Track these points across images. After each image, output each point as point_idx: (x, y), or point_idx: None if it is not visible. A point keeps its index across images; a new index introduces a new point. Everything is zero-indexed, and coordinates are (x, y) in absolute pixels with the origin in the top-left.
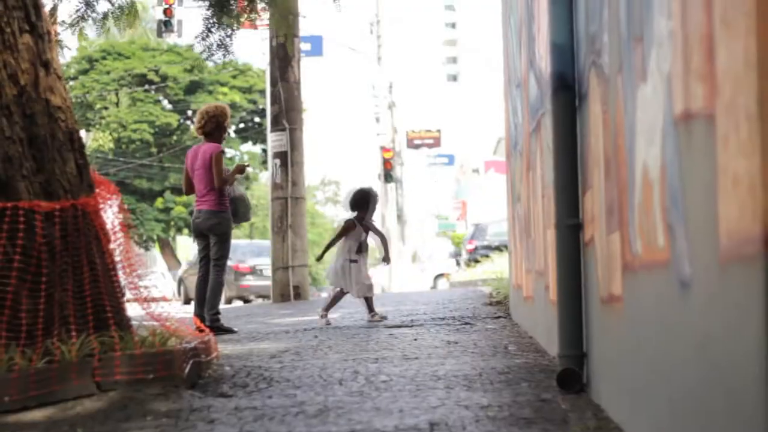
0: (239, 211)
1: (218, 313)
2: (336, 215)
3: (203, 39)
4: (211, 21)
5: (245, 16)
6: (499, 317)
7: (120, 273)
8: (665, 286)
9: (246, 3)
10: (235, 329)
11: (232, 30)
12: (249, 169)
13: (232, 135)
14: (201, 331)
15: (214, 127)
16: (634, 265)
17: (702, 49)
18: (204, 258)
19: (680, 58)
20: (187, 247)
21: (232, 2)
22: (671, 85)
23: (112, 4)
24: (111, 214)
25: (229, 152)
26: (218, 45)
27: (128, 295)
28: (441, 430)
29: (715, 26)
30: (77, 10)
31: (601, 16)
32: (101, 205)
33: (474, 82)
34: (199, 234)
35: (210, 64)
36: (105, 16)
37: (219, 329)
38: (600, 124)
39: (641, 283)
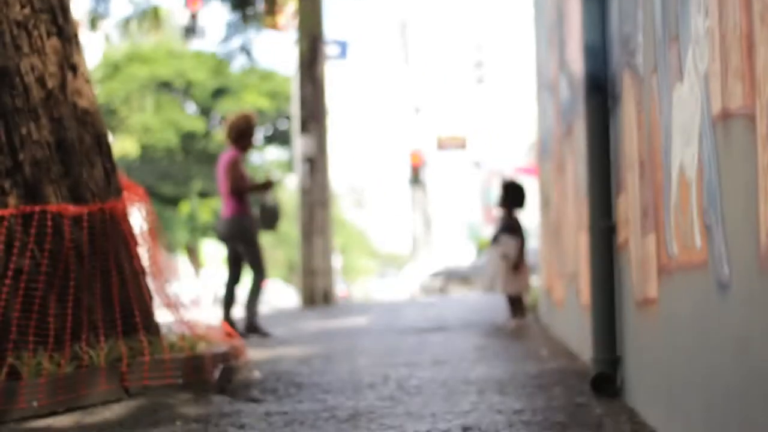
0: (263, 218)
1: (256, 315)
2: (357, 219)
3: (226, 43)
4: (233, 25)
5: (269, 20)
6: (533, 323)
7: (149, 278)
8: (703, 288)
9: (269, 6)
10: (270, 333)
11: (255, 33)
12: (275, 178)
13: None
14: (230, 336)
15: (237, 136)
16: (670, 267)
17: (741, 47)
18: (231, 261)
19: (718, 56)
20: (213, 253)
21: (253, 4)
22: (709, 84)
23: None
24: (139, 218)
25: (255, 158)
26: (240, 49)
27: (156, 300)
28: None
29: (754, 24)
30: (91, 10)
31: (635, 16)
32: (129, 209)
33: (503, 86)
34: (226, 241)
35: (235, 69)
36: (127, 20)
37: (255, 330)
38: (634, 125)
39: (678, 285)
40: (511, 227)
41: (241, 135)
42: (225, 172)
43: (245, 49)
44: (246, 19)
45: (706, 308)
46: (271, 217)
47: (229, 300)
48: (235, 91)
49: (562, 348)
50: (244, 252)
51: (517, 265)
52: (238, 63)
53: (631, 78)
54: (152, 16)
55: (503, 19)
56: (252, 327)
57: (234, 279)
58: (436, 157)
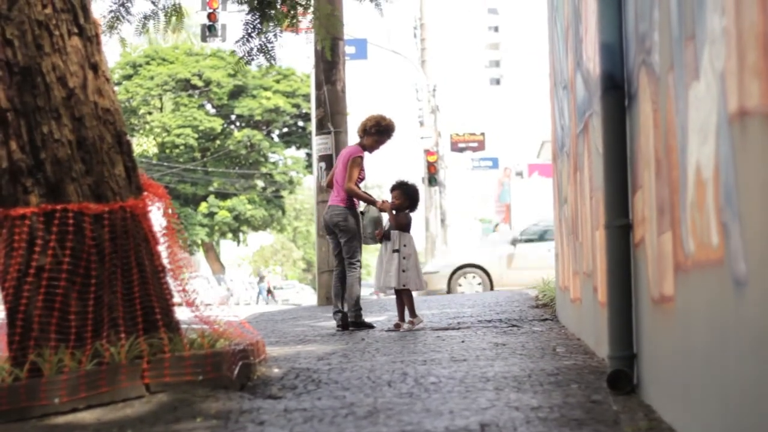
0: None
1: (360, 309)
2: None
3: (244, 43)
4: (251, 25)
5: (287, 21)
6: (545, 319)
7: (168, 276)
8: (719, 285)
9: (288, 8)
10: (374, 325)
11: (274, 35)
12: (378, 213)
13: (276, 139)
14: (247, 332)
15: (371, 132)
16: (687, 264)
17: (757, 45)
18: (339, 255)
19: (734, 55)
20: (231, 252)
21: (274, 6)
22: (725, 82)
23: (155, 5)
24: (159, 217)
25: (273, 157)
26: (259, 49)
27: (177, 297)
28: (492, 431)
29: None
30: (111, 11)
31: (651, 15)
32: (149, 208)
33: (517, 85)
34: (329, 230)
35: (253, 68)
36: (146, 19)
37: (361, 324)
38: (650, 123)
39: (694, 283)
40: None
41: (376, 132)
42: (345, 165)
43: (264, 50)
44: (265, 19)
45: (723, 305)
46: (370, 227)
47: (338, 290)
48: (253, 90)
49: (579, 345)
50: (345, 246)
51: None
52: (257, 63)
53: (647, 76)
54: (174, 15)
55: (520, 17)
56: (358, 322)
57: (343, 270)
58: (453, 156)
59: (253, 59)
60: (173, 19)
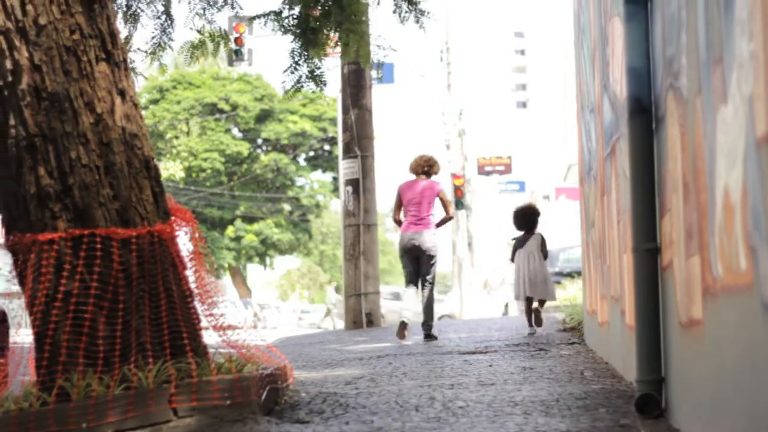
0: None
1: (432, 321)
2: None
3: (292, 72)
4: (297, 53)
5: (329, 47)
6: (573, 343)
7: (196, 300)
8: (748, 310)
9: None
10: (437, 336)
11: (320, 60)
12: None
13: (302, 163)
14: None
15: (429, 170)
16: (715, 288)
17: None
18: (412, 274)
19: (762, 79)
20: (258, 275)
21: (320, 32)
22: (753, 106)
23: (201, 33)
24: (187, 242)
25: (299, 180)
26: (307, 76)
27: (204, 322)
28: None
29: None
30: (153, 38)
31: (678, 38)
32: (177, 232)
33: (544, 109)
34: (412, 252)
35: (280, 92)
36: (194, 48)
37: (431, 337)
38: (678, 146)
39: (723, 307)
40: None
41: (433, 171)
42: (430, 197)
43: (314, 77)
44: (310, 46)
45: (752, 330)
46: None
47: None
48: (280, 114)
49: (607, 369)
50: (430, 267)
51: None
52: (307, 89)
53: (675, 100)
54: (221, 41)
55: (546, 40)
56: (430, 333)
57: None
58: (479, 179)
59: (302, 86)
60: (221, 45)
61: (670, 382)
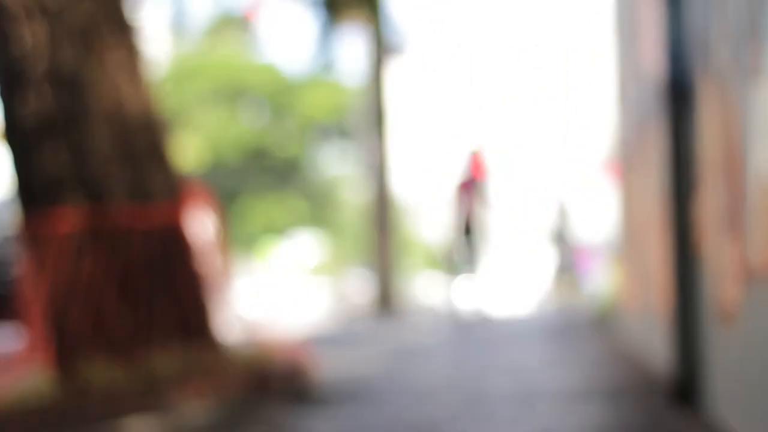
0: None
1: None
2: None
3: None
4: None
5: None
6: (604, 332)
7: (218, 290)
8: None
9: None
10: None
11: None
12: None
13: (323, 148)
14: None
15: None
16: (752, 275)
17: None
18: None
19: None
20: (285, 252)
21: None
22: None
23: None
24: (208, 226)
25: (320, 165)
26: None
27: (224, 308)
28: None
29: None
30: (171, 17)
31: (713, 19)
32: (198, 218)
33: (578, 92)
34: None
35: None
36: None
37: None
38: (714, 130)
39: (759, 294)
40: None
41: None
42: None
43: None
44: (334, 18)
45: None
46: None
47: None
48: (296, 99)
49: (639, 358)
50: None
51: None
52: (330, 65)
53: (709, 82)
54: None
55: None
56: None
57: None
58: (500, 163)
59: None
60: (230, 26)
61: (705, 371)
